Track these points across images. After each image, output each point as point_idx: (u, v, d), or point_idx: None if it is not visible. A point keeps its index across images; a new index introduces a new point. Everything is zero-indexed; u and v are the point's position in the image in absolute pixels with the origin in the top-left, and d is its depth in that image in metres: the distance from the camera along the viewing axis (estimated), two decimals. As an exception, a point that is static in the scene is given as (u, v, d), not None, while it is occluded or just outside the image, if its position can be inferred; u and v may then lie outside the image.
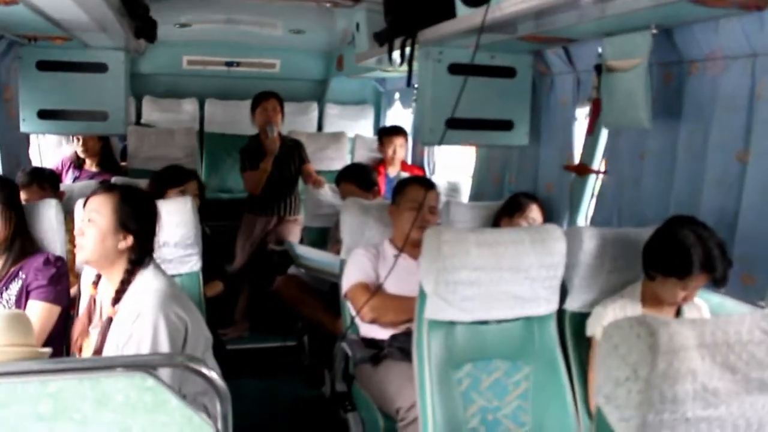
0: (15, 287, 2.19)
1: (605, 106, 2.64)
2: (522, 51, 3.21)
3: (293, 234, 4.32)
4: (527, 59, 3.27)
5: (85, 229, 1.98)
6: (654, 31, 2.30)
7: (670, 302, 2.12)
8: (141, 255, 2.04)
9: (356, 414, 2.63)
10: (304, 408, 3.50)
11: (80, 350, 2.08)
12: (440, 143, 2.83)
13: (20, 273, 2.21)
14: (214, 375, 1.51)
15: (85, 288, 2.16)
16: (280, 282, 3.78)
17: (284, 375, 3.96)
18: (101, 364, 1.51)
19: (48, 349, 1.61)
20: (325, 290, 3.57)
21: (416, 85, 3.68)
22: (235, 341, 4.17)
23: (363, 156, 5.20)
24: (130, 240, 2.00)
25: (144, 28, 3.22)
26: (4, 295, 2.19)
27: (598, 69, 2.71)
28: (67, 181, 4.38)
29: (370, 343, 2.66)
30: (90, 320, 2.10)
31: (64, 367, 1.46)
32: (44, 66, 3.36)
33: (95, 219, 1.97)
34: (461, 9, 2.63)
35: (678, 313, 2.19)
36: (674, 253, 2.02)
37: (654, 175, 2.61)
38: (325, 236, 4.05)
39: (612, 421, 1.15)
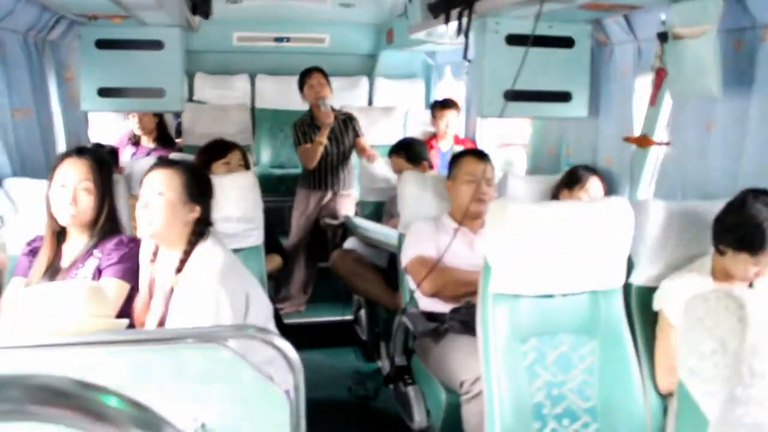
0: (90, 265, 2.25)
1: (671, 75, 2.57)
2: (580, 20, 3.13)
3: (347, 208, 4.33)
4: (586, 28, 3.19)
5: (152, 201, 2.02)
6: (725, -5, 2.22)
7: (742, 278, 2.06)
8: (203, 226, 2.08)
9: (417, 387, 2.65)
10: (362, 381, 3.53)
11: (143, 325, 2.13)
12: (500, 116, 2.79)
13: (95, 251, 2.26)
14: (287, 346, 1.53)
15: (144, 264, 2.21)
16: (336, 257, 3.79)
17: (341, 349, 4.00)
18: (176, 335, 1.54)
19: (125, 320, 1.66)
20: (382, 264, 3.59)
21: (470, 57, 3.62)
22: (292, 315, 4.23)
23: (415, 130, 5.17)
24: (197, 211, 2.05)
25: (200, 4, 3.23)
26: (80, 272, 2.24)
27: (662, 37, 2.63)
28: (125, 158, 4.46)
29: (430, 317, 2.66)
30: (151, 295, 2.15)
31: (143, 338, 1.50)
32: (103, 45, 3.40)
33: (164, 192, 2.01)
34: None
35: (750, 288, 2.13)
36: (746, 228, 1.97)
37: (721, 147, 2.53)
38: (379, 210, 4.05)
39: (697, 395, 1.13)
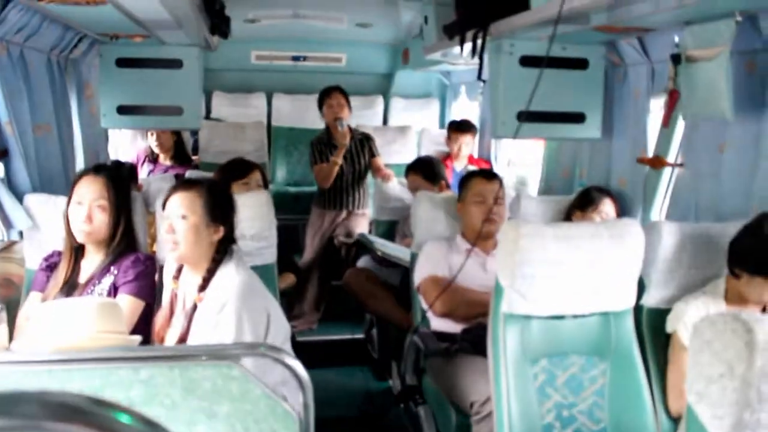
0: (106, 282, 2.28)
1: (684, 97, 2.57)
2: (594, 42, 3.15)
3: (361, 227, 4.34)
4: (599, 50, 3.21)
5: (176, 225, 2.04)
6: (738, 18, 2.23)
7: (756, 302, 2.06)
8: (227, 246, 2.10)
9: (427, 407, 2.64)
10: (373, 400, 3.53)
11: (162, 341, 2.15)
12: (514, 137, 2.81)
13: (112, 268, 2.29)
14: (298, 365, 1.54)
15: (167, 282, 2.23)
16: (349, 275, 3.81)
17: (352, 367, 4.00)
18: (188, 353, 1.55)
19: (138, 337, 1.67)
20: (395, 283, 3.59)
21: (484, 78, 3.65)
22: (304, 333, 4.24)
23: (429, 149, 5.19)
24: (221, 231, 2.06)
25: (219, 24, 3.29)
26: (96, 288, 2.27)
27: (676, 59, 2.63)
28: (142, 175, 4.51)
29: (441, 336, 2.66)
30: (172, 312, 2.17)
31: (155, 355, 1.51)
32: (123, 63, 3.47)
33: (188, 216, 2.03)
34: (535, 0, 2.60)
35: (763, 312, 2.12)
36: (762, 253, 1.96)
37: (734, 168, 2.52)
38: (393, 229, 4.06)
39: (704, 418, 1.14)
